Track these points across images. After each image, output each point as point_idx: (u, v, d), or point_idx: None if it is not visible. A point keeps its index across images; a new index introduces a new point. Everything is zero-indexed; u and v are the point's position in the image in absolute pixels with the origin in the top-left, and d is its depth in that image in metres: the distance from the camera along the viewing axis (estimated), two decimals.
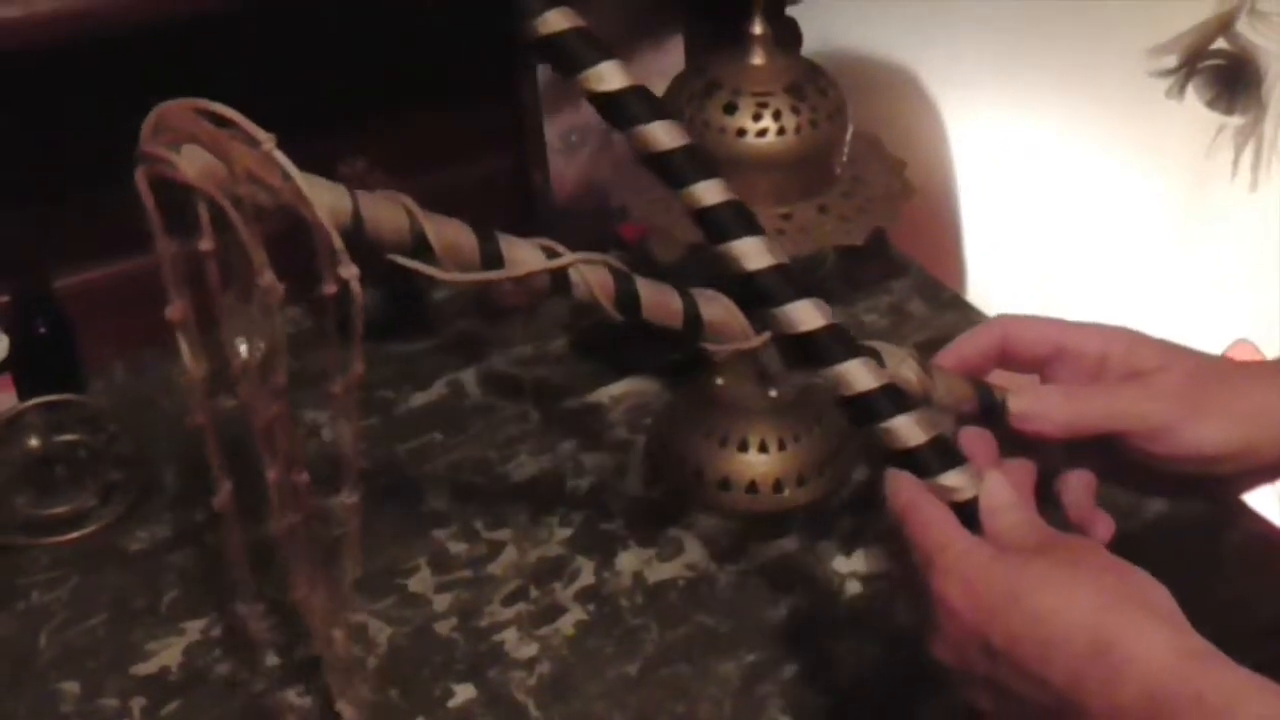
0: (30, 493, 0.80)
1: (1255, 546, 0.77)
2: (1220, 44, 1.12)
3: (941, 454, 0.53)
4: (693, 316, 0.56)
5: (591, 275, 0.54)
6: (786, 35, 1.01)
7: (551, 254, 0.53)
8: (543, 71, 0.98)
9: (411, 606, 0.74)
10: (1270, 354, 1.07)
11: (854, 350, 0.53)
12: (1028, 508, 0.53)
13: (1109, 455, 0.57)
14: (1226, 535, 0.77)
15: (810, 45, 1.05)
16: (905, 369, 0.56)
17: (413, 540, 0.78)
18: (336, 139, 0.88)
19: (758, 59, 0.71)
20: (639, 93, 0.52)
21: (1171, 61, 1.14)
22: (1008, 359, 0.60)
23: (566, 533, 0.79)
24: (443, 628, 0.73)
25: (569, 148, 1.01)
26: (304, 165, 0.48)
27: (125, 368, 0.92)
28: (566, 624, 0.73)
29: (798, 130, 0.70)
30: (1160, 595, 0.48)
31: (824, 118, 0.71)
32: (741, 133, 0.69)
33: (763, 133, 0.69)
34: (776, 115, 0.70)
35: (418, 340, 0.94)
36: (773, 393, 0.80)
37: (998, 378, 0.59)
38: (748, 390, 0.80)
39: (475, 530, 0.79)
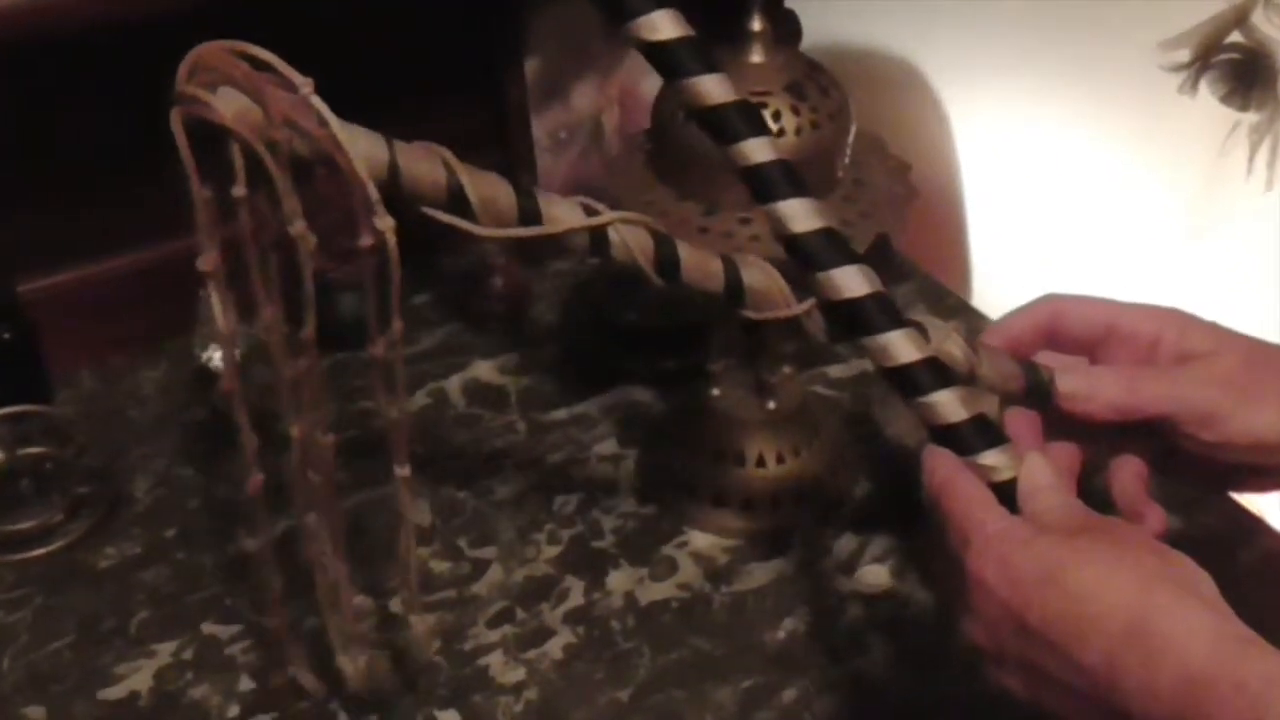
0: None
1: (1272, 565, 0.77)
2: (1235, 37, 1.12)
3: (982, 432, 0.53)
4: (733, 281, 0.57)
5: (631, 235, 0.55)
6: (786, 29, 1.01)
7: (591, 213, 0.54)
8: (530, 68, 0.97)
9: (392, 629, 0.73)
10: None
11: (899, 321, 0.53)
12: (1068, 490, 0.53)
13: (1158, 442, 0.58)
14: (1242, 554, 0.77)
15: (810, 39, 1.05)
16: (951, 344, 0.56)
17: (393, 559, 0.77)
18: None
19: (756, 56, 0.71)
20: (691, 43, 0.52)
21: (1184, 56, 1.14)
22: (1057, 339, 0.60)
23: (554, 551, 0.79)
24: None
25: (557, 146, 1.01)
26: None
27: (93, 377, 0.91)
28: (554, 647, 0.73)
29: (798, 131, 0.69)
30: (1202, 579, 0.48)
31: (825, 118, 0.70)
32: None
33: None
34: (776, 116, 0.69)
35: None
36: (770, 404, 0.79)
37: (1044, 359, 0.60)
38: (744, 401, 0.80)
39: (459, 548, 0.79)
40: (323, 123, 0.48)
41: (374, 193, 0.48)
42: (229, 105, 0.47)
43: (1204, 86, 1.14)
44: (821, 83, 0.72)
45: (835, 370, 0.92)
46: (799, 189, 0.53)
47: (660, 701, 0.70)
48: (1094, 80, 1.21)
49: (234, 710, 0.69)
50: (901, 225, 0.73)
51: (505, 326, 0.96)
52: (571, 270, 1.01)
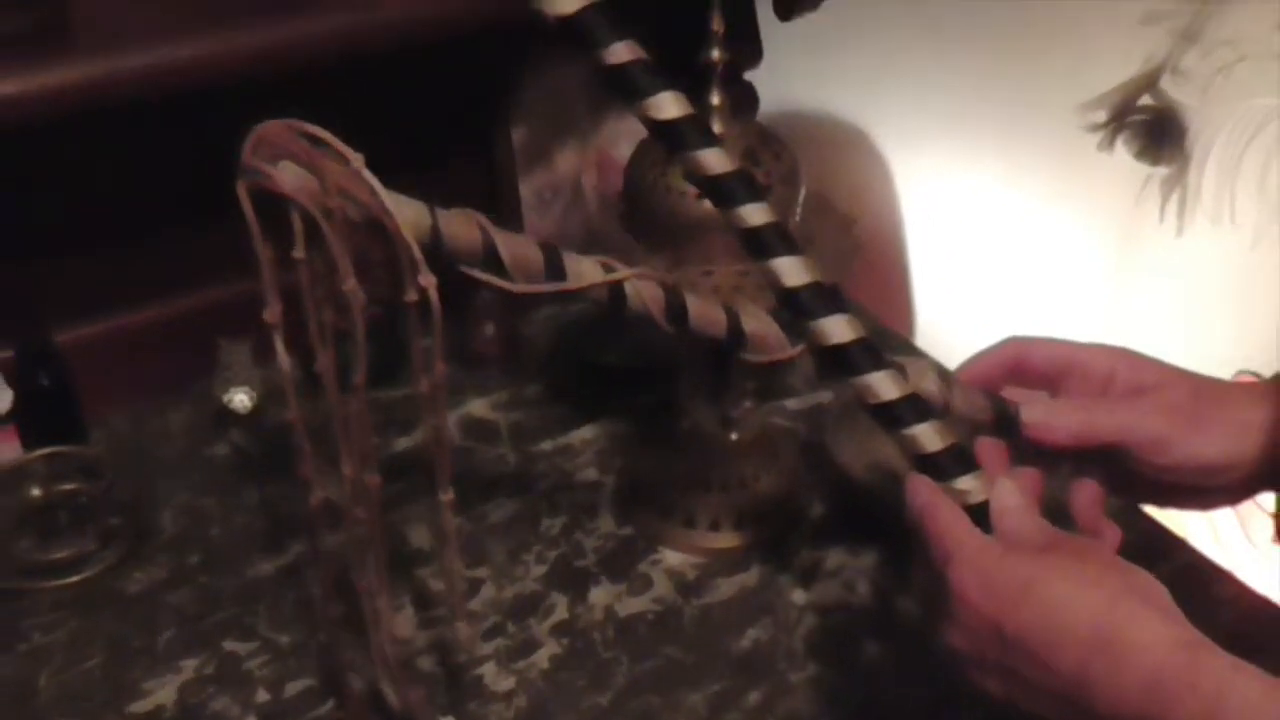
0: (33, 538, 0.79)
1: (1188, 578, 0.77)
2: (1146, 100, 1.13)
3: (957, 459, 0.54)
4: (735, 328, 0.57)
5: (645, 289, 0.56)
6: (744, 99, 1.02)
7: (609, 269, 0.55)
8: (517, 134, 0.98)
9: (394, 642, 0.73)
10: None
11: (881, 362, 0.54)
12: (1035, 511, 0.54)
13: (1112, 467, 0.58)
14: (1159, 567, 0.77)
15: (766, 105, 1.06)
16: (927, 381, 0.57)
17: (396, 578, 0.77)
18: None
19: (715, 127, 0.71)
20: (694, 121, 0.53)
21: (1101, 116, 1.15)
22: (1020, 376, 0.61)
23: (542, 569, 0.79)
24: (425, 663, 0.72)
25: (542, 204, 1.01)
26: None
27: (123, 418, 0.91)
28: (542, 658, 0.73)
29: None
30: (1159, 591, 0.49)
31: (778, 181, 0.71)
32: (701, 196, 0.69)
33: None
34: None
35: (402, 387, 0.94)
36: (734, 435, 0.80)
37: (1010, 394, 0.61)
38: (711, 433, 0.80)
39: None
40: (373, 192, 0.49)
41: (418, 253, 0.49)
42: (289, 177, 0.48)
43: (1120, 144, 1.16)
44: (774, 149, 0.72)
45: (791, 403, 0.93)
46: (791, 248, 0.54)
47: (637, 706, 0.70)
48: (1023, 140, 1.22)
49: None
50: (848, 276, 0.73)
51: (497, 367, 0.96)
52: (556, 316, 1.01)
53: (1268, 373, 1.09)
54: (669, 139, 0.53)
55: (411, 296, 0.50)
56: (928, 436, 0.54)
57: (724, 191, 0.54)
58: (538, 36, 0.88)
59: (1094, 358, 0.60)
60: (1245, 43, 1.04)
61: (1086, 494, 0.59)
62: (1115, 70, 1.13)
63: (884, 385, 0.54)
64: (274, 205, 0.49)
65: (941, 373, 0.59)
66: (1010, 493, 0.53)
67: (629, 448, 0.88)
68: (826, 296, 0.54)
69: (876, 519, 0.79)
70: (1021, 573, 0.49)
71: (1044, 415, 0.58)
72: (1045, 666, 0.47)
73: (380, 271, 0.51)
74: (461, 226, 0.52)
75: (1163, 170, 1.15)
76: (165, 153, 0.86)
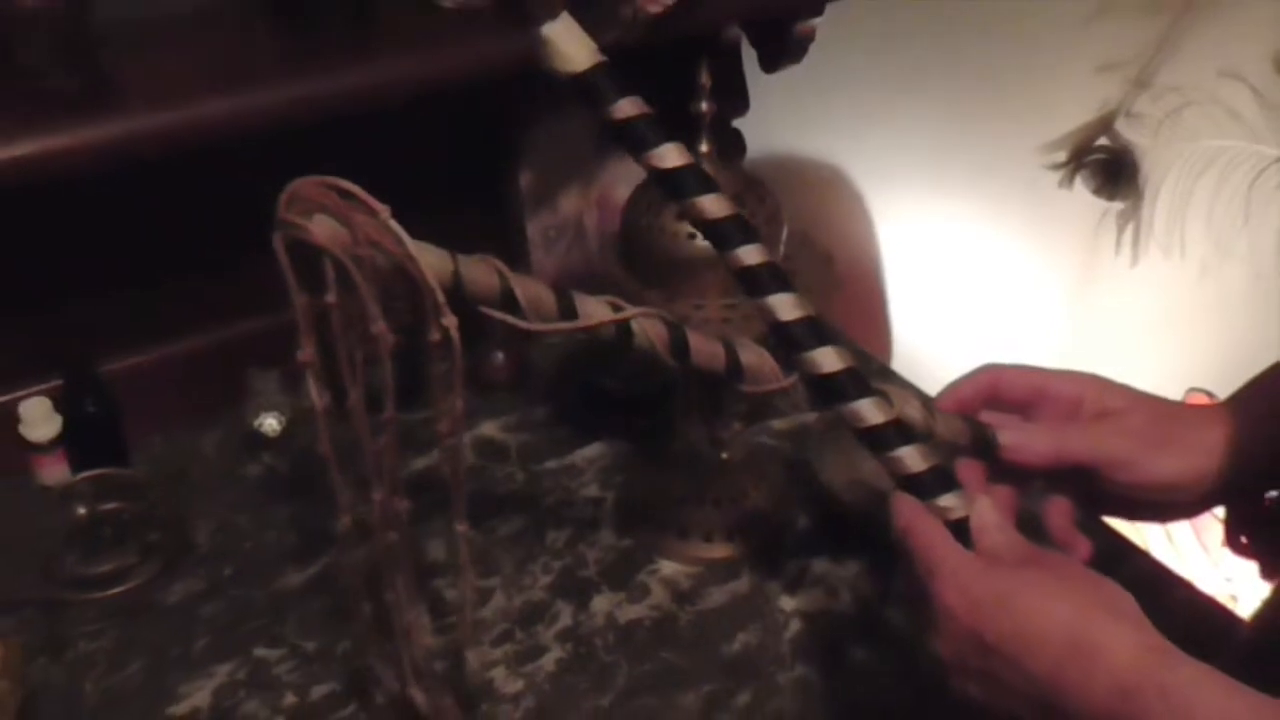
0: (79, 553, 0.79)
1: (1143, 584, 0.77)
2: (1103, 141, 1.14)
3: (939, 479, 0.54)
4: (733, 361, 0.57)
5: (649, 326, 0.56)
6: (732, 145, 1.02)
7: (617, 308, 0.55)
8: (524, 178, 0.99)
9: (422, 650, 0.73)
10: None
11: (868, 390, 0.54)
12: (1011, 527, 0.54)
13: (1081, 484, 0.59)
14: (1117, 572, 0.77)
15: (753, 150, 1.07)
16: (910, 408, 0.57)
17: (421, 589, 0.77)
18: None
19: None
20: (694, 169, 0.53)
21: (1062, 156, 1.16)
22: (996, 400, 0.61)
23: (547, 579, 0.79)
24: (440, 667, 0.72)
25: (547, 243, 1.01)
26: None
27: (162, 441, 0.91)
28: (548, 662, 0.73)
29: None
30: (1127, 601, 0.49)
31: (762, 222, 0.71)
32: (692, 236, 0.70)
33: None
34: None
35: (419, 411, 0.94)
36: (724, 454, 0.80)
37: (986, 418, 0.61)
38: (703, 452, 0.80)
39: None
40: (399, 241, 0.49)
41: (440, 297, 0.50)
42: (322, 228, 0.49)
43: (1079, 182, 1.17)
44: (759, 193, 0.73)
45: (778, 424, 0.93)
46: (784, 285, 0.54)
47: (636, 707, 0.70)
48: (990, 178, 1.23)
49: None
50: (829, 308, 0.74)
51: (507, 392, 0.96)
52: (561, 345, 1.01)
53: (1214, 389, 1.09)
54: (671, 186, 0.53)
55: (434, 336, 0.50)
56: (911, 458, 0.54)
57: (722, 234, 0.54)
58: (544, 88, 0.88)
59: (1063, 384, 0.60)
60: (1190, 89, 1.05)
61: (1058, 510, 0.60)
62: (1074, 114, 1.14)
63: (871, 411, 0.54)
64: (306, 254, 0.49)
65: (923, 399, 0.59)
66: (989, 511, 0.53)
67: (628, 466, 0.89)
68: (817, 330, 0.54)
69: (857, 530, 0.80)
70: (999, 585, 0.49)
71: (1020, 439, 0.58)
72: (1022, 672, 0.47)
73: (403, 304, 0.51)
74: (481, 272, 0.52)
75: (1118, 205, 1.16)
76: (199, 198, 0.86)
